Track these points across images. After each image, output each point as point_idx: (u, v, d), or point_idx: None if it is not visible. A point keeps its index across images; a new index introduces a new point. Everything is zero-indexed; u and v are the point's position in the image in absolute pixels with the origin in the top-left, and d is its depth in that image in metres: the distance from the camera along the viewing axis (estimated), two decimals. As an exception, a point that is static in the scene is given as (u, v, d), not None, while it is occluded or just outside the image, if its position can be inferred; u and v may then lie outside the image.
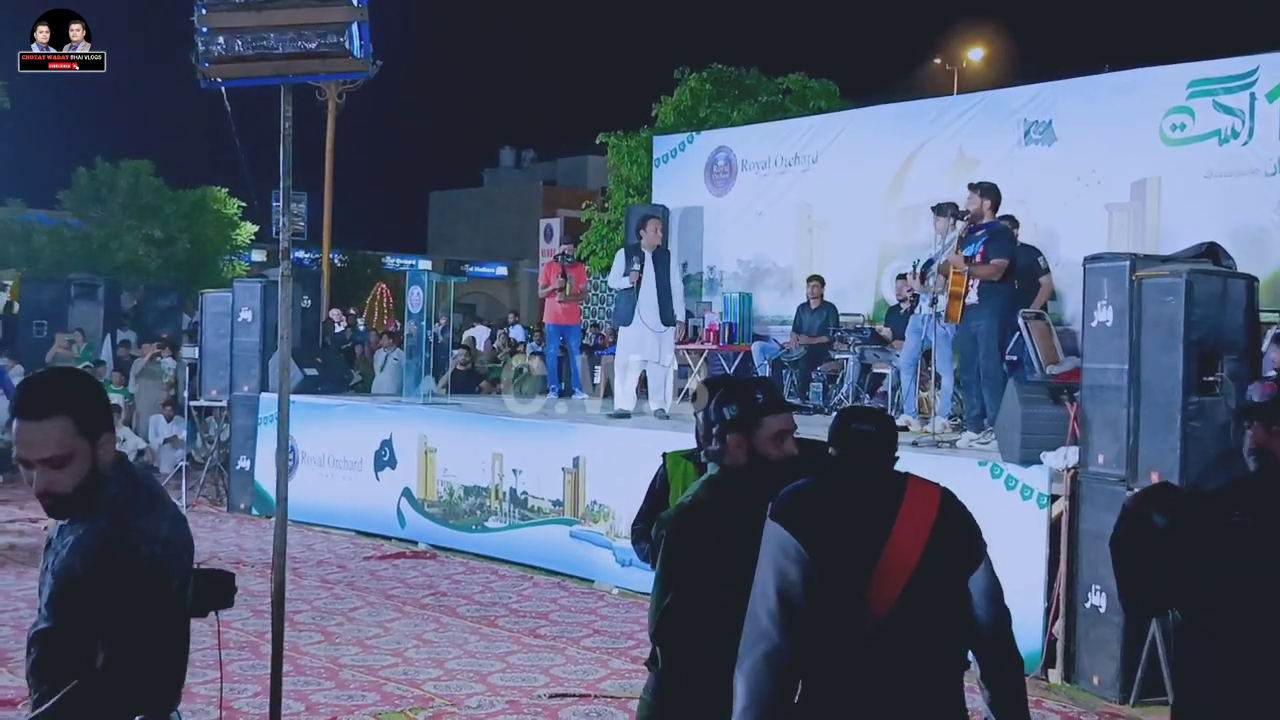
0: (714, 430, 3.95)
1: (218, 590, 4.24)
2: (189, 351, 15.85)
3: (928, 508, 3.48)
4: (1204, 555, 3.59)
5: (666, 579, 3.86)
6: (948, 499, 3.54)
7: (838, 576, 3.35)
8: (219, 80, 4.90)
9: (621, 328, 12.39)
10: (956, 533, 3.50)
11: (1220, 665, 3.59)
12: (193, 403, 15.33)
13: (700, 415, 4.09)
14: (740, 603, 3.54)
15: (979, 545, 3.56)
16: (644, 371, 12.27)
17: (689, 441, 4.76)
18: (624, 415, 11.82)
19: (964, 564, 3.50)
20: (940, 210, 11.13)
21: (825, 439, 3.73)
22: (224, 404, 14.59)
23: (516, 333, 23.61)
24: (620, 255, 12.58)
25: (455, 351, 17.86)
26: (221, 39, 4.80)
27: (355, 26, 4.77)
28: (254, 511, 13.82)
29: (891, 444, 3.62)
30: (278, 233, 5.31)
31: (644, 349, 12.10)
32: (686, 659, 3.82)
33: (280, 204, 4.96)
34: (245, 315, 14.25)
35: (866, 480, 3.53)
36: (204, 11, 4.80)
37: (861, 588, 3.35)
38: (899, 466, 3.61)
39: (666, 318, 12.12)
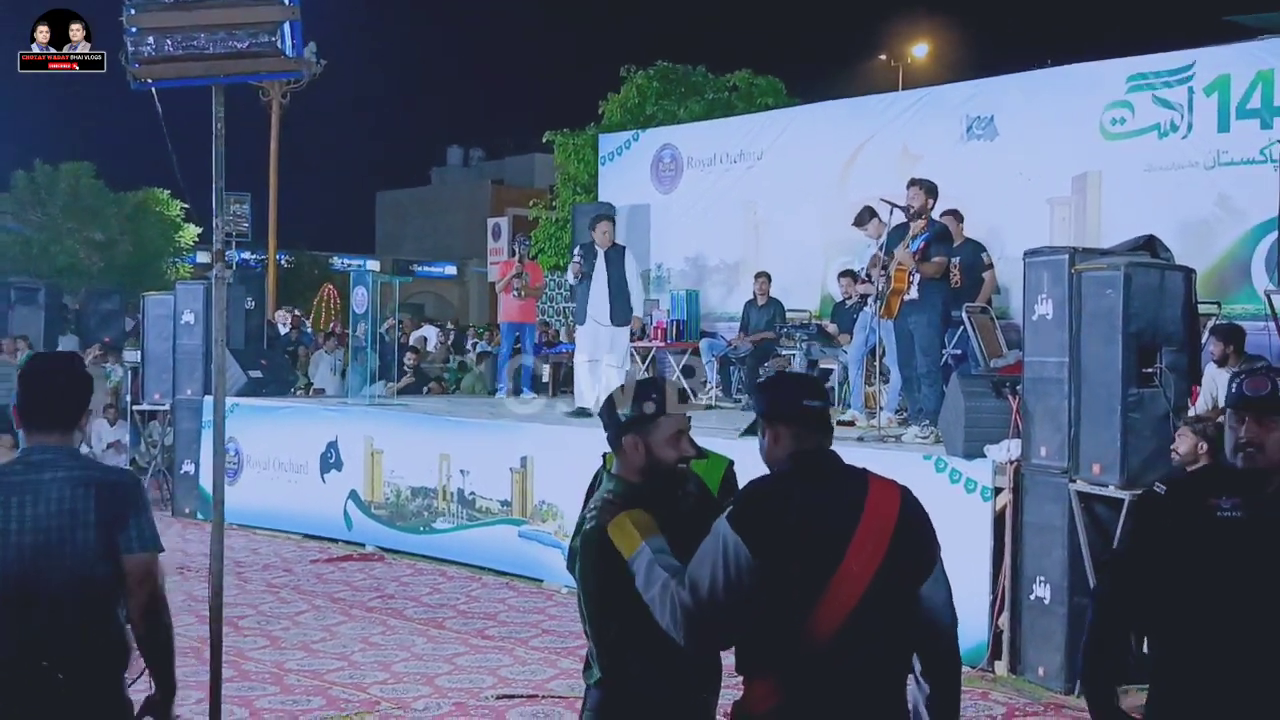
0: (610, 435, 3.84)
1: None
2: (131, 355, 15.64)
3: (888, 516, 3.40)
4: (1191, 546, 3.51)
5: (601, 606, 3.69)
6: (907, 503, 3.46)
7: (788, 592, 3.31)
8: (149, 81, 4.83)
9: (578, 326, 12.38)
10: (914, 542, 3.43)
11: (1201, 663, 3.51)
12: (136, 407, 15.16)
13: (605, 409, 4.06)
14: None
15: (934, 551, 3.49)
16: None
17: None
18: (584, 413, 11.71)
19: (918, 573, 3.44)
20: (859, 221, 11.29)
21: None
22: (167, 408, 14.43)
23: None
24: (576, 252, 12.58)
25: (406, 356, 17.79)
26: (151, 39, 4.73)
27: (287, 26, 4.71)
28: (199, 516, 13.67)
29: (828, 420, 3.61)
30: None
31: (594, 348, 12.07)
32: (628, 675, 3.69)
33: (214, 205, 4.90)
34: (188, 318, 14.08)
35: (828, 482, 3.45)
36: (133, 11, 4.73)
37: (812, 603, 3.31)
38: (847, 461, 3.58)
39: (617, 316, 12.01)
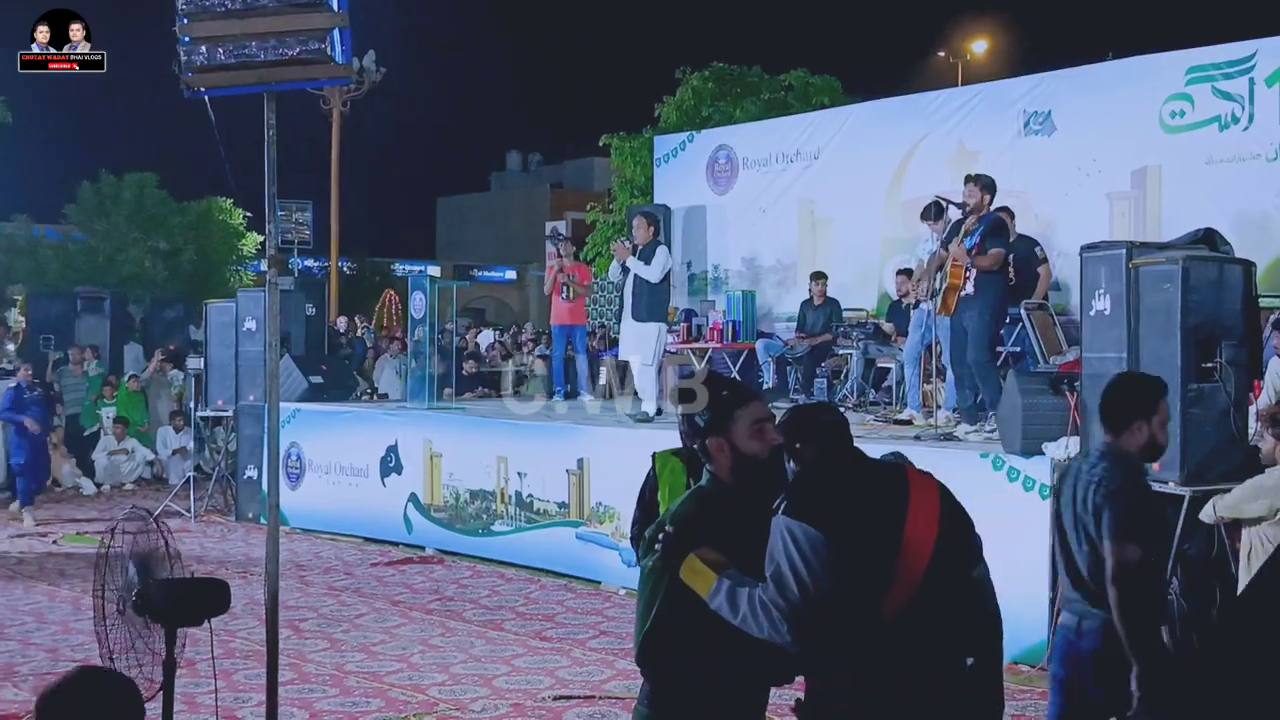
0: (693, 442, 3.76)
1: (211, 599, 4.27)
2: (195, 362, 15.86)
3: (930, 496, 3.50)
4: None
5: (649, 600, 3.62)
6: (943, 487, 3.56)
7: (860, 569, 3.34)
8: (202, 90, 4.90)
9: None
10: (960, 522, 3.52)
11: None
12: (200, 413, 15.37)
13: (683, 416, 4.03)
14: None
15: (977, 535, 3.58)
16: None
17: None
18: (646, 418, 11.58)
19: (969, 554, 3.52)
20: (925, 215, 11.16)
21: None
22: (230, 413, 14.62)
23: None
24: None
25: (465, 364, 17.89)
26: (204, 48, 4.80)
27: (336, 33, 4.77)
28: (262, 520, 13.79)
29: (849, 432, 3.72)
30: (280, 240, 5.31)
31: (625, 345, 12.02)
32: (678, 677, 3.61)
33: (267, 211, 4.96)
34: (249, 325, 14.26)
35: (869, 471, 3.55)
36: (186, 21, 4.80)
37: (886, 579, 3.34)
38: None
39: (637, 311, 11.72)
